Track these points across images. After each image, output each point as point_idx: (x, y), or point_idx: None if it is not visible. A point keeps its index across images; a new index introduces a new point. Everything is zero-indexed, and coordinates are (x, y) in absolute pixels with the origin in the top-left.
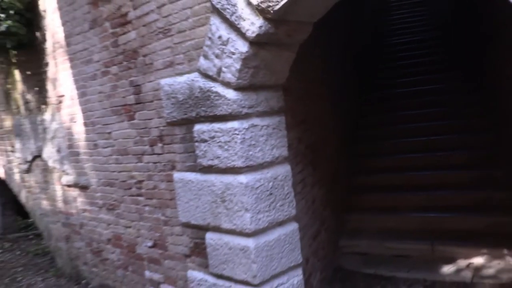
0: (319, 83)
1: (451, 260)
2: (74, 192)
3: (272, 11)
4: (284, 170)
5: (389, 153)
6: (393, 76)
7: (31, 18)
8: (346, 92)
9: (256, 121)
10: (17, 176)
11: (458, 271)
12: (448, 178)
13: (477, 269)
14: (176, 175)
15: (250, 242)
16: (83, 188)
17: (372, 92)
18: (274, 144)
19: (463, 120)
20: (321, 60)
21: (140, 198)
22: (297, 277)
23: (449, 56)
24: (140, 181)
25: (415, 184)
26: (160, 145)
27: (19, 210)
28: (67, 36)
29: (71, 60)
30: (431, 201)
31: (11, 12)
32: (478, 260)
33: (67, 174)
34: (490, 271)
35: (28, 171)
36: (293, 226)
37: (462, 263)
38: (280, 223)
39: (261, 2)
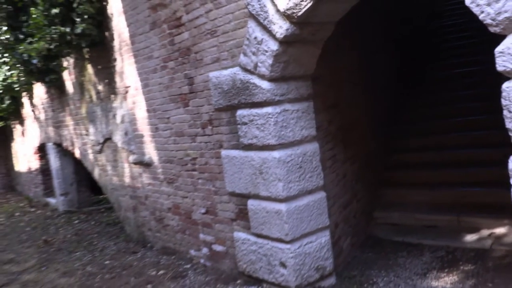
0: (351, 71)
1: (474, 230)
2: (139, 169)
3: (296, 16)
4: (312, 147)
5: (428, 133)
6: (439, 58)
7: (101, 21)
8: (386, 75)
9: (287, 106)
10: (91, 156)
11: (480, 239)
12: (480, 156)
13: (498, 237)
14: (223, 152)
15: (282, 207)
16: (147, 165)
17: (418, 74)
18: (303, 125)
19: (499, 101)
20: (353, 49)
21: (194, 173)
22: (324, 237)
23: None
24: (194, 158)
25: (448, 161)
26: (210, 127)
27: (92, 187)
28: (132, 36)
29: (135, 56)
30: (462, 177)
31: (85, 16)
32: (499, 230)
33: (133, 153)
34: (509, 239)
35: (100, 151)
36: (321, 195)
37: (484, 232)
38: (310, 192)
39: (287, 10)
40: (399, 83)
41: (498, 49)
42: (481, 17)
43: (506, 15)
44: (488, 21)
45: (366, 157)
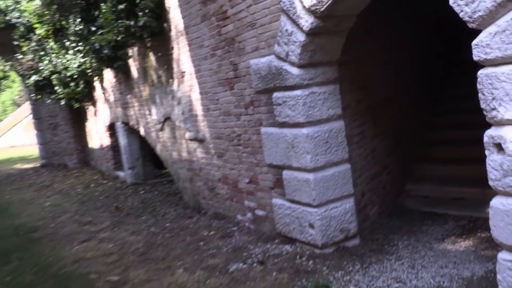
0: (383, 52)
1: None
2: (194, 145)
3: (319, 12)
4: (338, 124)
5: (465, 111)
6: None
7: (160, 13)
8: (424, 55)
9: (315, 89)
10: (153, 134)
11: None
12: None
13: None
14: (263, 129)
15: (310, 176)
16: (200, 141)
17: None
18: (329, 105)
19: None
20: (385, 31)
21: (239, 147)
22: (349, 203)
23: None
24: (239, 135)
25: (478, 139)
26: (251, 108)
27: (155, 161)
28: (186, 27)
29: (189, 45)
30: None
31: (146, 11)
32: None
33: (189, 131)
34: None
35: (161, 129)
36: (346, 166)
37: None
38: (335, 164)
39: (311, 6)
40: (439, 61)
41: (474, 42)
42: (461, 15)
43: (480, 13)
44: (466, 18)
45: (398, 133)
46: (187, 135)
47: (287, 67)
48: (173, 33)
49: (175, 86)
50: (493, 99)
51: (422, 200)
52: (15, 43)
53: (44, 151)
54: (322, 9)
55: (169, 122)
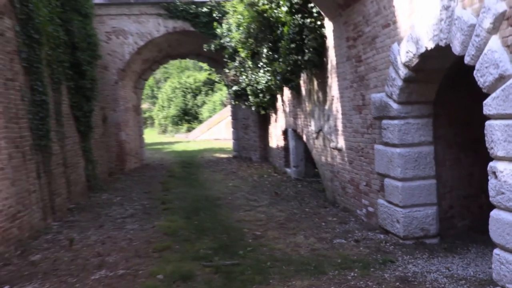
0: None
1: None
2: (335, 152)
3: (411, 67)
4: (428, 149)
5: None
6: None
7: (321, 51)
8: None
9: (410, 120)
10: (311, 141)
11: None
12: None
13: None
14: (375, 146)
15: (399, 184)
16: (339, 150)
17: None
18: (421, 133)
19: None
20: None
21: (362, 158)
22: (431, 210)
23: None
24: (362, 148)
25: None
26: (370, 129)
27: (314, 163)
28: (337, 63)
29: (337, 77)
30: None
31: (311, 49)
32: None
33: (332, 141)
34: None
35: (316, 138)
36: (431, 181)
37: None
38: (422, 178)
39: (405, 62)
40: None
41: (484, 102)
42: (478, 83)
43: (487, 84)
44: (481, 85)
45: None
46: (331, 144)
47: (391, 102)
48: (328, 66)
49: (327, 106)
50: (492, 141)
51: None
52: (224, 60)
53: (236, 145)
54: (413, 65)
55: (321, 133)
